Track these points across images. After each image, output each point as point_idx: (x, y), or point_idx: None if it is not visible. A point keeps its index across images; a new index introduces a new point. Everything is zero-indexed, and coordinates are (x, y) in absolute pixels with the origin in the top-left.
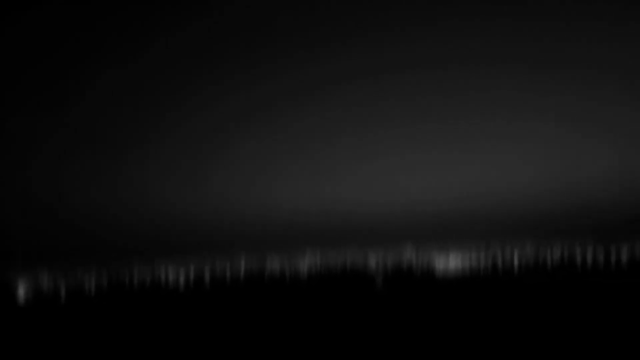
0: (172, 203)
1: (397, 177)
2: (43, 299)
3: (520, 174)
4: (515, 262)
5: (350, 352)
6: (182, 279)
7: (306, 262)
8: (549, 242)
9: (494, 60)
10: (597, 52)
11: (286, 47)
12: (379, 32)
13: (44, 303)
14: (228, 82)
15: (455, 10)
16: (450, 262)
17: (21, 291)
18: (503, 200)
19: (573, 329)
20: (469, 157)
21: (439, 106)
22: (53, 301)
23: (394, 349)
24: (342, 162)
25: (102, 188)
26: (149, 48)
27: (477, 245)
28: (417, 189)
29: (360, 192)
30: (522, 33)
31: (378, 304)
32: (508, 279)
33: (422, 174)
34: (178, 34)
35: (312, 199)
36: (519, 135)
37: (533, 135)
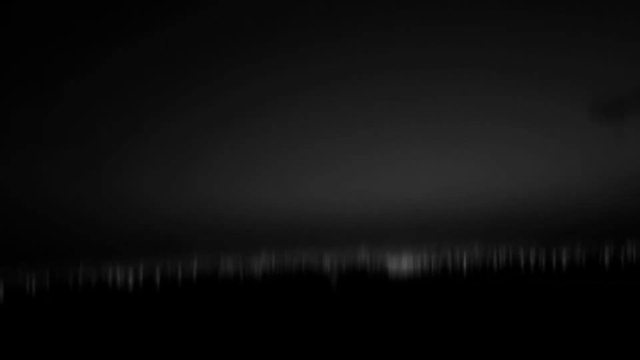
0: (156, 203)
1: (352, 180)
2: None
3: (475, 178)
4: (465, 264)
5: (305, 352)
6: (131, 280)
7: (261, 263)
8: (496, 245)
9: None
10: (564, 61)
11: (264, 50)
12: (352, 36)
13: None
14: (207, 85)
15: (432, 14)
16: (402, 263)
17: None
18: (455, 205)
19: (515, 329)
20: (423, 161)
21: (396, 110)
22: None
23: (349, 349)
24: (306, 167)
25: (83, 186)
26: (132, 48)
27: (429, 248)
28: (371, 192)
29: (319, 195)
30: (493, 39)
31: (333, 305)
32: (457, 280)
33: (376, 177)
34: (162, 35)
35: (274, 202)
36: (474, 138)
37: (490, 139)
